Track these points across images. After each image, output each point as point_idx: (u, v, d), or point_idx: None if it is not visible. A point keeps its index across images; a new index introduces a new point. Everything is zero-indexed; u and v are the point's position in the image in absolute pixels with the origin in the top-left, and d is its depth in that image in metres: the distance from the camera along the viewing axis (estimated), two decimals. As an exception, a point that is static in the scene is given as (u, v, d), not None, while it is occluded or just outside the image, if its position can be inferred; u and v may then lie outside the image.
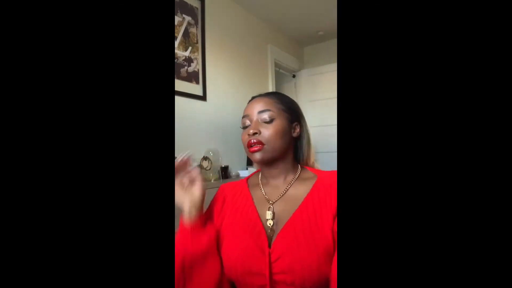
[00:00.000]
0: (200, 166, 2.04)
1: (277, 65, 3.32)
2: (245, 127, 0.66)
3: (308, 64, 3.85)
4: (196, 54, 2.23)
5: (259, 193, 0.67)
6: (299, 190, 0.63)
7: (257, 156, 0.62)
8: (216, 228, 0.65)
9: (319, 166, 0.72)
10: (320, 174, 0.65)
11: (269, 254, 0.56)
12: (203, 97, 2.24)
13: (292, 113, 0.68)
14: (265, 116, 0.64)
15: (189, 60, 2.17)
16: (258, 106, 0.65)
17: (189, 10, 2.19)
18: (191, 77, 2.18)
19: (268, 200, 0.64)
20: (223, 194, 0.71)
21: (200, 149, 2.12)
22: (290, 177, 0.66)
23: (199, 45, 2.26)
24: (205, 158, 2.06)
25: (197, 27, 2.25)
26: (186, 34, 2.15)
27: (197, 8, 2.26)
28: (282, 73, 3.65)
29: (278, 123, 0.64)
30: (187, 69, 2.14)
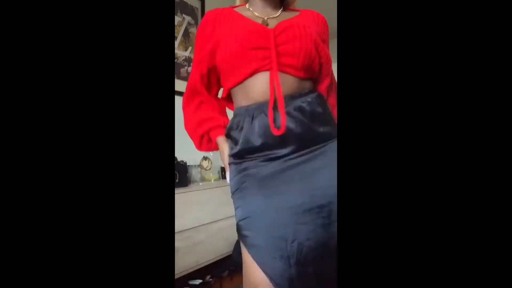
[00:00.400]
0: (200, 166, 2.04)
1: (277, 65, 3.31)
2: None
3: (308, 64, 3.84)
4: (196, 54, 2.23)
5: (249, 13, 0.74)
6: (288, 15, 0.74)
7: None
8: (209, 49, 0.71)
9: None
10: (302, 10, 0.79)
11: (273, 32, 0.66)
12: (203, 97, 2.24)
13: None
14: None
15: (189, 60, 2.17)
16: None
17: (189, 10, 2.19)
18: (191, 77, 2.18)
19: (260, 17, 0.72)
20: (212, 16, 0.74)
21: (200, 149, 2.12)
22: (279, 8, 0.75)
23: (199, 45, 2.27)
24: (205, 158, 2.06)
25: (197, 27, 2.25)
26: (186, 34, 2.15)
27: (197, 8, 2.26)
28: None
29: None
30: (187, 69, 2.14)
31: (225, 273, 1.74)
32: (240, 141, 0.68)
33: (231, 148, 0.72)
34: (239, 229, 0.66)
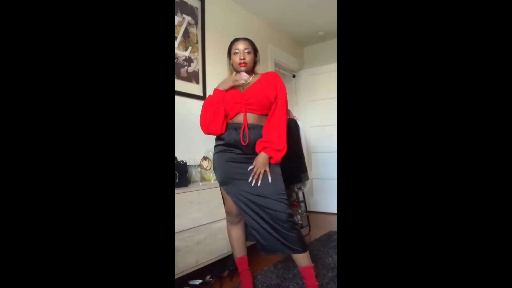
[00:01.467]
0: (200, 166, 2.04)
1: (277, 65, 3.33)
2: (235, 53, 1.43)
3: (308, 64, 3.85)
4: (196, 54, 2.23)
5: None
6: (254, 80, 1.45)
7: (243, 68, 1.41)
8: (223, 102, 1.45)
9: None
10: (262, 74, 1.49)
11: (243, 95, 1.40)
12: (203, 97, 2.24)
13: (256, 51, 1.47)
14: (247, 51, 1.42)
15: (189, 60, 2.17)
16: (244, 45, 1.43)
17: (189, 10, 2.19)
18: (191, 77, 2.18)
19: (242, 86, 1.44)
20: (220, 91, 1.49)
21: (200, 149, 2.12)
22: (251, 76, 1.46)
23: (199, 45, 2.27)
24: (205, 158, 2.06)
25: (197, 27, 2.25)
26: (186, 34, 2.15)
27: (197, 8, 2.26)
28: (282, 73, 3.65)
29: (252, 55, 1.44)
30: (187, 69, 2.15)
31: (225, 273, 1.74)
32: (225, 140, 1.42)
33: (219, 141, 1.46)
34: (220, 183, 1.49)
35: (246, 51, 1.41)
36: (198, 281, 1.60)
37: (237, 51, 1.42)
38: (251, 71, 1.47)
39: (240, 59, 1.40)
